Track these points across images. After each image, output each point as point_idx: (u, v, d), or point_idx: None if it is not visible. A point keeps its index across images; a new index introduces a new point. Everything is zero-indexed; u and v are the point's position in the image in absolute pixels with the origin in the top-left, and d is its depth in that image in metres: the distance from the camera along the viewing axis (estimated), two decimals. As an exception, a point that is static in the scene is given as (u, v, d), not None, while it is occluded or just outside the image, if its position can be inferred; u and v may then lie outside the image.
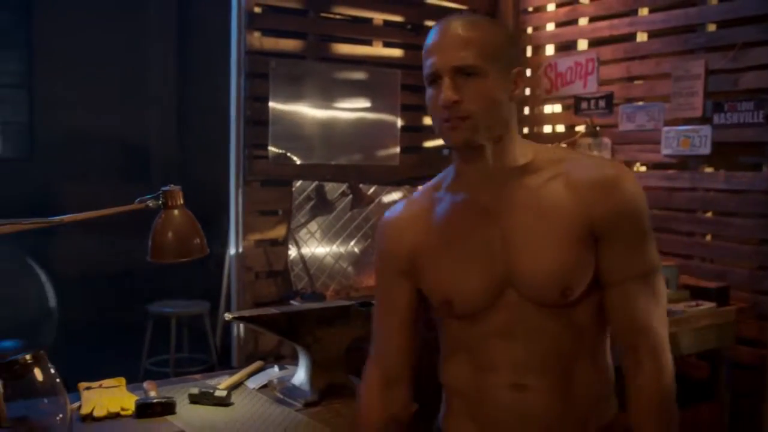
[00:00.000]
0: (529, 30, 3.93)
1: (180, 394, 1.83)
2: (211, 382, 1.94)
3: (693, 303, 2.82)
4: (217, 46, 4.49)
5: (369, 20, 3.67)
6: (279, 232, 3.44)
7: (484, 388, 1.29)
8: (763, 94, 2.91)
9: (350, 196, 3.49)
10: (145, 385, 1.87)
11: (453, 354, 1.34)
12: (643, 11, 3.37)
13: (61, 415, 1.62)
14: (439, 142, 3.91)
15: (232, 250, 3.39)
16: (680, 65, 3.16)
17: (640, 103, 3.36)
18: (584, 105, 3.57)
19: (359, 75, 3.64)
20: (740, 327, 2.91)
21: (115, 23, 7.30)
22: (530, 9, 3.91)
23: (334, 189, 3.50)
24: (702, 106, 3.07)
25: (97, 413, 1.69)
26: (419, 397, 1.46)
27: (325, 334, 1.89)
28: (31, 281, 3.98)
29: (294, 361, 2.07)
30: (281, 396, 1.87)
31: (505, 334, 1.26)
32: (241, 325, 3.33)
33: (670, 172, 3.26)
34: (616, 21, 3.48)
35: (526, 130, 3.97)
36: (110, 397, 1.77)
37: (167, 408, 1.73)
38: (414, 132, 3.83)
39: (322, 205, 3.48)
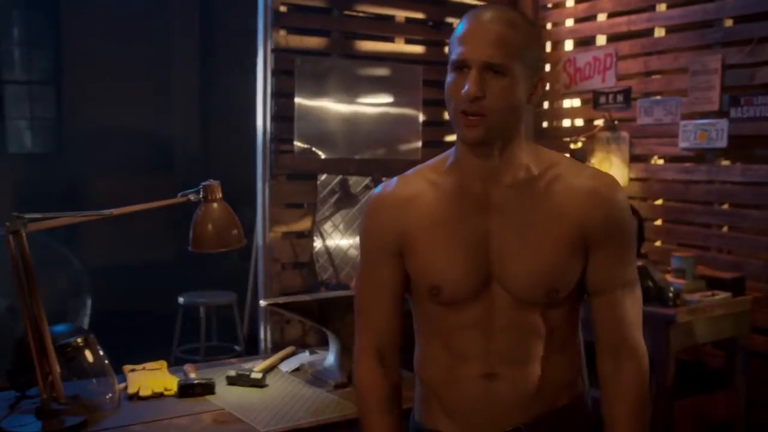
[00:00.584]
0: (549, 26, 3.99)
1: (218, 376, 1.94)
2: (247, 365, 2.05)
3: (709, 293, 2.88)
4: (239, 43, 4.60)
5: (391, 17, 3.76)
6: (304, 224, 3.55)
7: (456, 379, 1.31)
8: (779, 89, 2.96)
9: (373, 190, 3.59)
10: (186, 367, 1.99)
11: (427, 342, 1.36)
12: (661, 7, 3.42)
13: (110, 395, 1.75)
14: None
15: (259, 242, 3.50)
16: (697, 60, 3.21)
17: (658, 98, 3.42)
18: (603, 99, 3.63)
19: (382, 71, 3.73)
20: (755, 316, 2.97)
21: (140, 22, 7.44)
22: (549, 5, 3.97)
23: (357, 182, 3.60)
24: (719, 100, 3.13)
25: (142, 393, 1.81)
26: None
27: (354, 319, 1.98)
28: (65, 270, 4.13)
29: (319, 349, 2.19)
30: (312, 378, 1.97)
31: (481, 325, 1.28)
32: (268, 315, 3.45)
33: (688, 165, 3.32)
34: (634, 17, 3.53)
35: (545, 125, 4.04)
36: (153, 378, 1.88)
37: (207, 388, 1.85)
38: (435, 127, 3.91)
39: (346, 198, 3.58)
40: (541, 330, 1.29)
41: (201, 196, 1.77)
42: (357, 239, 3.61)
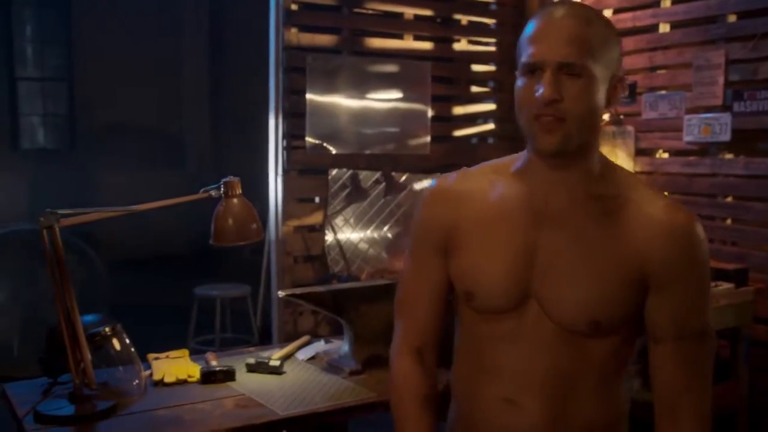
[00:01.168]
0: (555, 22, 4.03)
1: (237, 364, 2.02)
2: (265, 353, 2.13)
3: (712, 284, 2.94)
4: (249, 40, 4.67)
5: (400, 15, 3.82)
6: (316, 218, 3.63)
7: (478, 396, 1.25)
8: (781, 83, 3.02)
9: (383, 184, 3.67)
10: (207, 355, 2.08)
11: (460, 348, 1.30)
12: (666, 3, 3.48)
13: (136, 381, 1.84)
14: (468, 131, 4.07)
15: (272, 236, 3.58)
16: (701, 55, 3.27)
17: (663, 92, 3.48)
18: (608, 94, 3.68)
19: (391, 68, 3.80)
20: (758, 307, 3.03)
21: (151, 19, 7.53)
22: (556, 1, 4.01)
23: (368, 177, 3.68)
24: (722, 94, 3.19)
25: (167, 380, 1.89)
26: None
27: (367, 309, 2.07)
28: (83, 264, 4.23)
29: (333, 338, 2.28)
30: (328, 366, 2.06)
31: (512, 341, 1.20)
32: (282, 307, 3.53)
33: (692, 158, 3.39)
34: (639, 12, 3.59)
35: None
36: (177, 365, 1.97)
37: (228, 375, 1.93)
38: (444, 122, 3.98)
39: (356, 193, 3.66)
40: (576, 361, 1.18)
41: (221, 191, 1.85)
42: (367, 233, 3.69)
